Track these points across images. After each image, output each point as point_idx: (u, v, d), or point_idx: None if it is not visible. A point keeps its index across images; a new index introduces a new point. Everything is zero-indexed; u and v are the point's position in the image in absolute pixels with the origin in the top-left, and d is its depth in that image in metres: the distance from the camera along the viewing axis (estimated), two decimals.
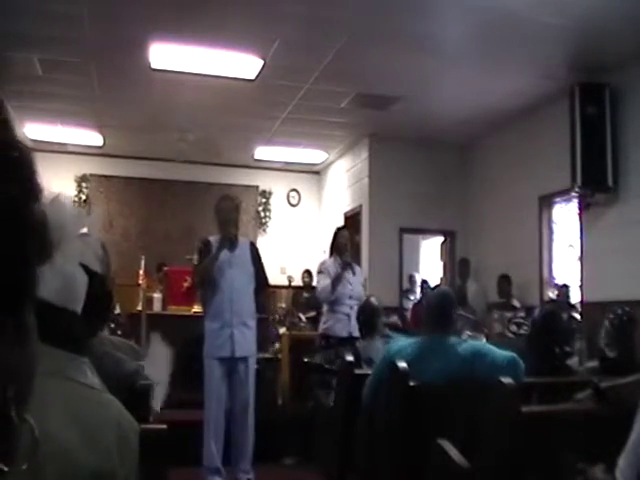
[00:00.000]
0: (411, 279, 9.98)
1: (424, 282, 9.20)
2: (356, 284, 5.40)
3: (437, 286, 8.43)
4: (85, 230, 1.05)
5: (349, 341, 4.97)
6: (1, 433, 0.55)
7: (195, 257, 6.61)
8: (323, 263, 5.58)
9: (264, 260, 4.73)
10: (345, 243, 5.48)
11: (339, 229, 5.70)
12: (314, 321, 7.40)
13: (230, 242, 4.47)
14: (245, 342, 4.48)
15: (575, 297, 6.64)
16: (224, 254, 4.45)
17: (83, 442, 0.82)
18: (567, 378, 3.24)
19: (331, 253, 5.56)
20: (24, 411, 0.59)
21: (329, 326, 5.33)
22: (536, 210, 7.27)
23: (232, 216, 4.55)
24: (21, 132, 8.13)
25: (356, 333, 4.97)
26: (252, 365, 4.55)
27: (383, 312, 4.63)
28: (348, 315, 5.19)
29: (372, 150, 8.58)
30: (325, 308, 5.46)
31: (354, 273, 5.41)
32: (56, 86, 6.85)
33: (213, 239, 4.56)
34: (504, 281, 7.26)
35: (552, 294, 7.11)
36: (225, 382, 4.46)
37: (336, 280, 5.27)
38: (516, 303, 7.08)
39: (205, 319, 4.56)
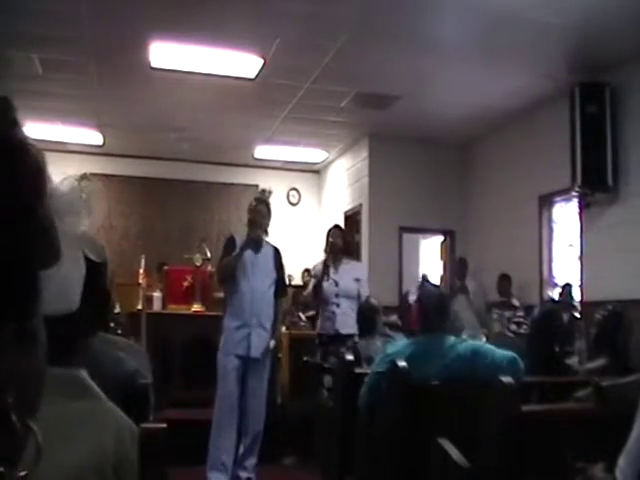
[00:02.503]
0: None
1: (425, 280, 9.16)
2: (346, 281, 5.22)
3: (436, 286, 8.42)
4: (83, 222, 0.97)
5: (338, 339, 4.97)
6: (2, 438, 0.54)
7: (197, 256, 6.65)
8: (314, 267, 5.56)
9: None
10: (334, 242, 5.31)
11: (330, 228, 5.51)
12: (314, 320, 7.41)
13: (255, 243, 4.50)
14: (261, 344, 4.49)
15: (575, 296, 6.64)
16: (249, 255, 4.49)
17: (80, 468, 0.81)
18: (567, 377, 3.24)
19: (326, 254, 5.50)
20: (29, 418, 0.58)
21: (320, 325, 5.34)
22: (536, 209, 7.27)
23: (263, 221, 4.57)
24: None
25: (344, 330, 4.99)
26: (266, 370, 4.56)
27: (383, 311, 4.64)
28: (334, 313, 5.12)
29: (372, 149, 8.58)
30: (320, 308, 5.45)
31: (335, 272, 5.23)
32: (56, 85, 6.85)
33: (238, 237, 4.60)
34: (504, 280, 7.26)
35: (552, 293, 7.11)
36: (238, 382, 4.46)
37: (317, 285, 5.19)
38: (516, 302, 7.08)
39: (224, 317, 4.60)
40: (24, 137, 0.54)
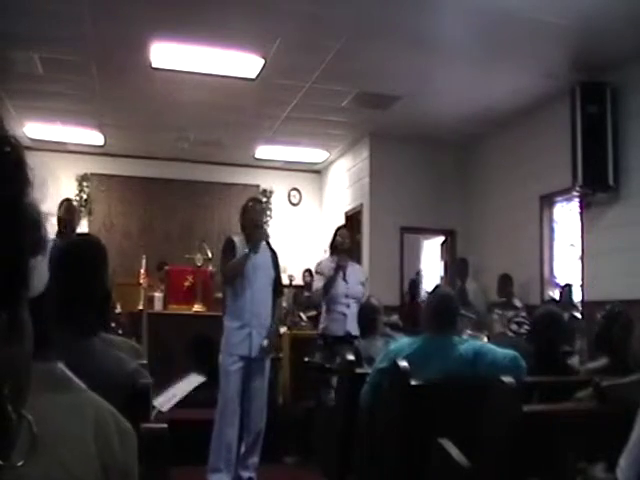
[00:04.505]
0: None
1: (413, 281, 9.14)
2: (353, 283, 5.28)
3: (437, 286, 8.42)
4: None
5: (347, 339, 4.96)
6: None
7: (198, 256, 6.65)
8: (319, 264, 5.55)
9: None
10: (342, 242, 5.36)
11: (338, 228, 5.61)
12: (315, 320, 7.40)
13: (266, 244, 4.55)
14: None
15: (576, 296, 6.64)
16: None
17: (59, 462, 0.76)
18: (568, 377, 3.23)
19: (331, 252, 5.53)
20: (21, 407, 0.58)
21: (326, 326, 5.29)
22: (537, 209, 7.27)
23: (264, 219, 4.62)
24: (19, 130, 8.13)
25: (355, 332, 4.94)
26: (267, 369, 4.57)
27: (383, 311, 4.63)
28: (344, 314, 5.12)
29: (373, 149, 8.57)
30: (323, 308, 5.43)
31: (345, 274, 5.25)
32: (57, 85, 6.85)
33: (237, 239, 4.59)
34: (505, 280, 7.22)
35: (553, 293, 7.11)
36: (241, 382, 4.46)
37: (329, 283, 5.19)
38: (517, 302, 7.06)
39: (224, 318, 4.60)
40: (4, 130, 0.55)
